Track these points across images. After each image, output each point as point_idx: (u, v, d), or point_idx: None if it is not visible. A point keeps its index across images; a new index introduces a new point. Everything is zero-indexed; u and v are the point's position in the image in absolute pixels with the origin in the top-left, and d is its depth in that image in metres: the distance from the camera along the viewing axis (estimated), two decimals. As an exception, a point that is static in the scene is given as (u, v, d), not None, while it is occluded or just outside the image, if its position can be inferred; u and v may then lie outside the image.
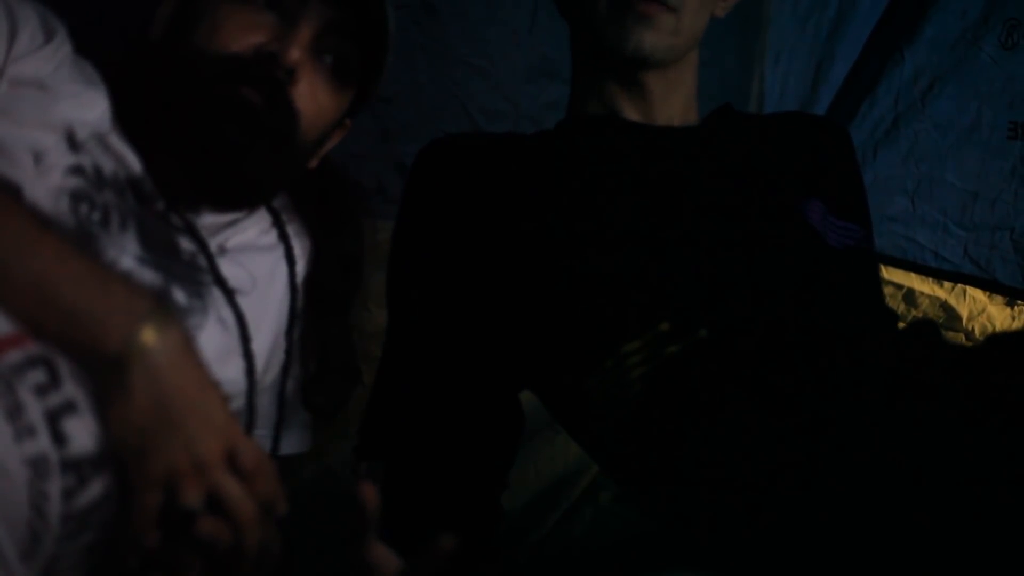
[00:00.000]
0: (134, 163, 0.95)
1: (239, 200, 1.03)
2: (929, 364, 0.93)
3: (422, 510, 1.06)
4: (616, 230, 1.04)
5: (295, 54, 0.97)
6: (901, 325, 1.43)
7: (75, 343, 0.79)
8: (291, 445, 1.09)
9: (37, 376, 0.79)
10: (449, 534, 1.00)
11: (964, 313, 1.85)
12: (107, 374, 0.78)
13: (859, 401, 0.92)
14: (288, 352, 1.06)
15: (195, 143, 0.95)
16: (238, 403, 1.00)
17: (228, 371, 0.98)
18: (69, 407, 0.79)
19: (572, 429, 1.12)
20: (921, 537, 0.83)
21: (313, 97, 1.00)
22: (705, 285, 1.01)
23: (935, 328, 1.03)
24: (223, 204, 1.02)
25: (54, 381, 0.79)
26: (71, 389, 0.80)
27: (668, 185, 1.08)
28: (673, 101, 1.14)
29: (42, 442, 0.78)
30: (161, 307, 0.80)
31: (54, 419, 0.79)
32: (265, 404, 1.05)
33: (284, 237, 1.07)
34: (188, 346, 0.81)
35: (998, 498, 0.81)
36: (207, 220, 1.01)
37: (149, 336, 0.78)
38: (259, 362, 1.02)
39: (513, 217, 1.07)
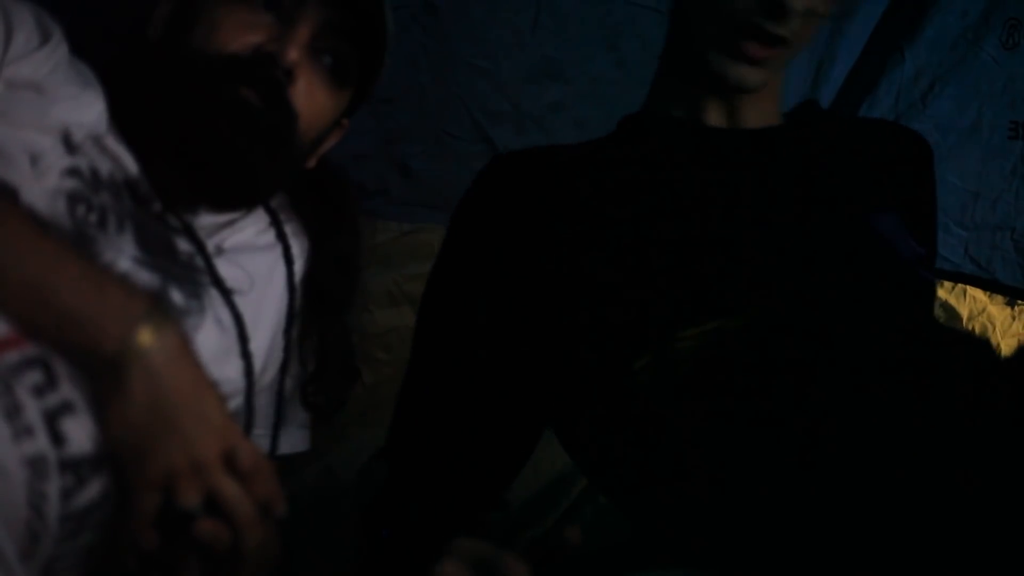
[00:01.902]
0: (131, 164, 0.95)
1: (237, 200, 1.03)
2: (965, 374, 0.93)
3: (420, 513, 1.07)
4: (680, 227, 1.02)
5: (293, 54, 0.97)
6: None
7: (72, 345, 0.79)
8: (290, 445, 1.09)
9: (34, 377, 0.79)
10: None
11: (964, 313, 1.86)
12: (104, 376, 0.79)
13: (900, 410, 0.92)
14: (286, 351, 1.06)
15: (193, 143, 0.95)
16: (236, 403, 1.00)
17: (226, 371, 0.98)
18: (67, 407, 0.80)
19: (586, 464, 1.11)
20: (919, 538, 0.83)
21: (311, 97, 1.00)
22: (765, 282, 1.00)
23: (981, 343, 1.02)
24: (221, 205, 1.02)
25: (51, 382, 0.79)
26: (68, 390, 0.80)
27: (738, 185, 1.06)
28: (760, 107, 1.11)
29: (40, 442, 0.78)
30: (158, 309, 0.80)
31: (52, 419, 0.79)
32: (264, 404, 1.04)
33: (282, 236, 1.07)
34: (185, 347, 0.81)
35: (997, 500, 0.81)
36: (204, 221, 1.01)
37: (146, 338, 0.78)
38: (257, 362, 1.02)
39: (577, 218, 1.05)
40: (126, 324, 0.78)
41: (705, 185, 1.06)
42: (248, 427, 1.02)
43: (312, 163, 1.10)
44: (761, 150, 1.10)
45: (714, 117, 1.11)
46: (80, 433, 0.80)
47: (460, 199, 1.13)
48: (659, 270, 1.01)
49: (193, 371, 0.81)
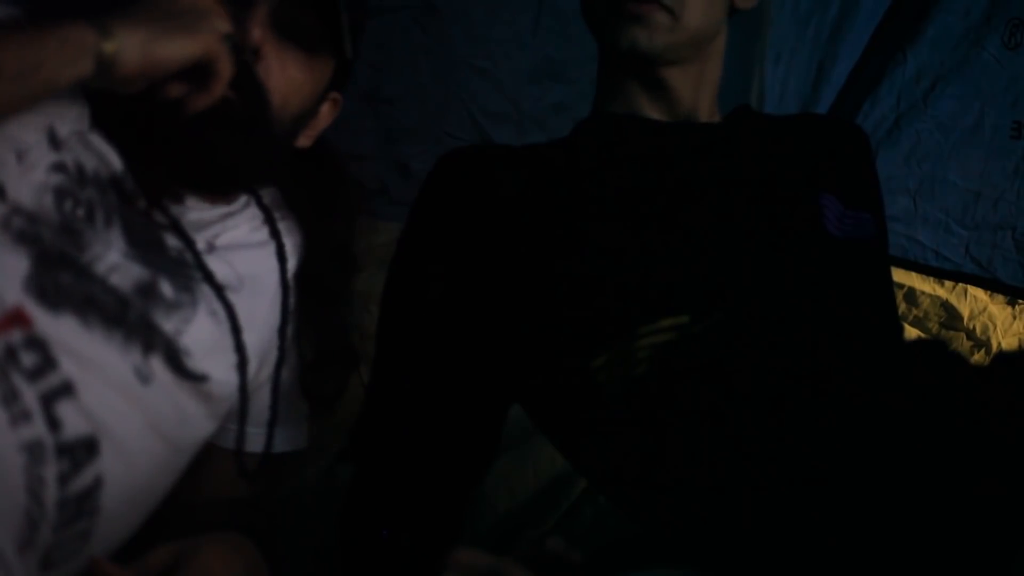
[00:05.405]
0: (115, 161, 0.96)
1: (221, 186, 1.02)
2: (935, 376, 0.93)
3: (390, 515, 1.06)
4: (635, 224, 1.04)
5: (256, 33, 0.97)
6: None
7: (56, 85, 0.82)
8: (285, 442, 1.08)
9: (31, 359, 0.79)
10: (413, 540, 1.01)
11: (965, 312, 1.86)
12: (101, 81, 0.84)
13: (859, 404, 0.92)
14: (281, 349, 1.05)
15: (166, 133, 0.95)
16: (231, 398, 1.00)
17: (220, 365, 0.98)
18: (65, 389, 0.80)
19: (559, 439, 1.11)
20: (914, 542, 0.83)
21: (283, 71, 1.00)
22: (721, 279, 1.01)
23: (944, 345, 1.03)
24: (204, 191, 1.01)
25: (48, 362, 0.80)
26: (68, 366, 0.80)
27: (688, 181, 1.07)
28: (698, 97, 1.13)
29: (37, 427, 0.79)
30: (106, 24, 0.84)
31: (48, 403, 0.79)
32: (259, 401, 1.04)
33: (275, 234, 1.06)
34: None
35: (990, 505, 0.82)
36: (192, 216, 1.00)
37: (111, 46, 0.83)
38: (252, 358, 1.01)
39: (531, 215, 1.06)
40: (89, 47, 0.82)
41: (652, 181, 1.07)
42: (243, 422, 1.02)
43: (306, 141, 1.09)
44: (705, 144, 1.11)
45: (652, 111, 1.12)
46: (75, 416, 0.80)
47: (418, 193, 1.13)
48: (611, 268, 1.01)
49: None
